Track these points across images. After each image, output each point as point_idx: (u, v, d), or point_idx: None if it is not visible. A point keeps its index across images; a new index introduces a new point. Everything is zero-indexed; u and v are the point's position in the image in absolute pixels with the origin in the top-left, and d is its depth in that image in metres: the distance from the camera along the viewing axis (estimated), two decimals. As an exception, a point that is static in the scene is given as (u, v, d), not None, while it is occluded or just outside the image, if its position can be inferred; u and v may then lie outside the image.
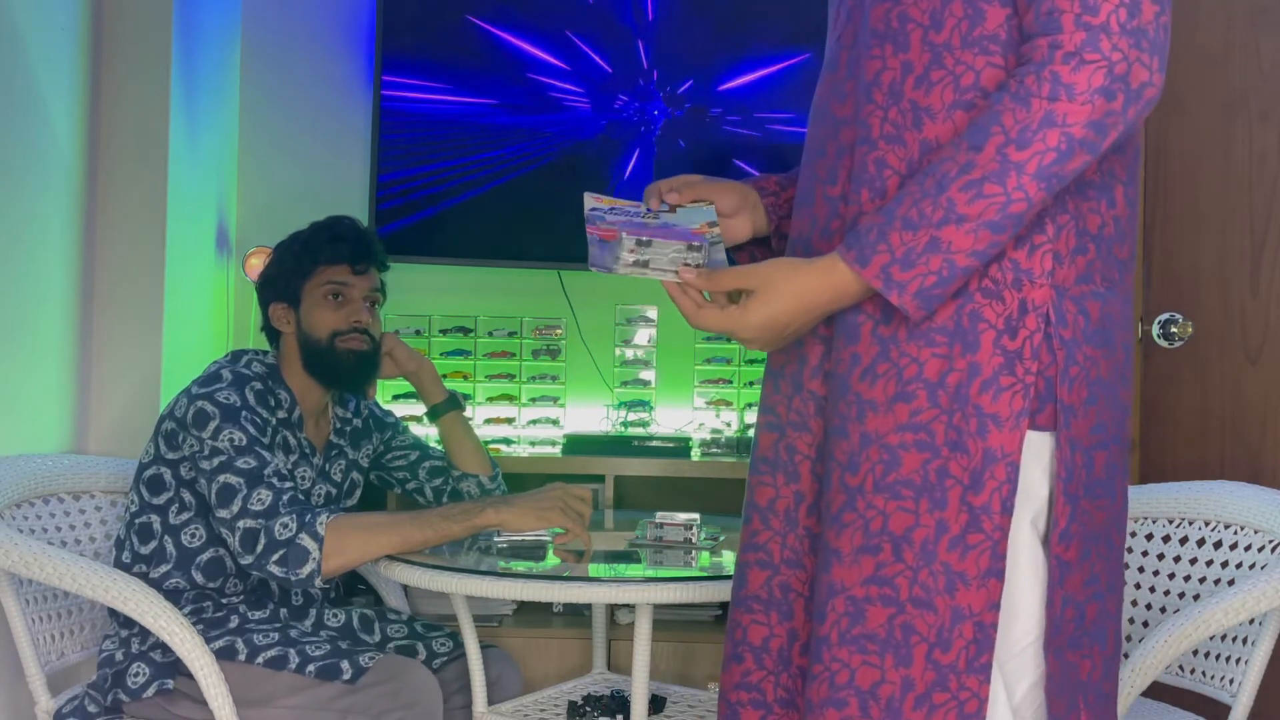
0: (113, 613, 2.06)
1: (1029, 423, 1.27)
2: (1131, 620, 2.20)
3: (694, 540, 2.06)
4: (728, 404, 3.02)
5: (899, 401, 1.29)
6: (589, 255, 1.45)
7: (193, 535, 2.09)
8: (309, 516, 1.93)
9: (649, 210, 1.45)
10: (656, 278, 1.41)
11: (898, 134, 1.32)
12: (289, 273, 2.23)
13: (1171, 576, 2.16)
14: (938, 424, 1.27)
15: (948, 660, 1.26)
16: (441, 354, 3.01)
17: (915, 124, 1.31)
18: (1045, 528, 1.31)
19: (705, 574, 1.89)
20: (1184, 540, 2.16)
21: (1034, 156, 1.22)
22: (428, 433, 2.54)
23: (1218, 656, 2.00)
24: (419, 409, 2.94)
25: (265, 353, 2.24)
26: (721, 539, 2.10)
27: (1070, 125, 1.22)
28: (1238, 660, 1.95)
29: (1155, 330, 2.62)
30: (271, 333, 2.26)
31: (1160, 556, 2.18)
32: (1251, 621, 1.93)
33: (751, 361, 2.99)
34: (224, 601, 2.10)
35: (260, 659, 1.98)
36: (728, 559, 1.99)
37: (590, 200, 1.44)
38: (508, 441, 2.94)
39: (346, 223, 2.27)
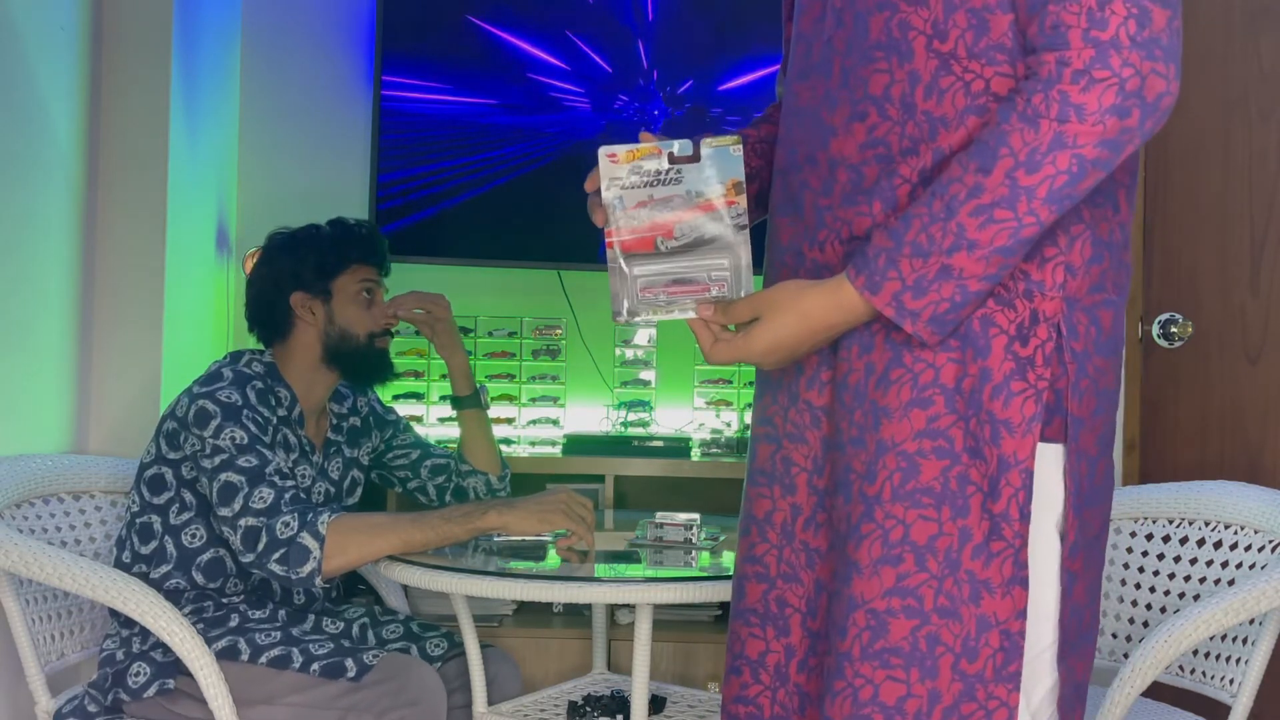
0: (114, 612, 2.06)
1: (1040, 431, 1.25)
2: (1132, 620, 2.20)
3: (694, 540, 2.06)
4: (728, 404, 3.02)
5: (915, 407, 1.27)
6: (611, 298, 1.41)
7: (193, 536, 2.09)
8: (311, 515, 1.93)
9: (671, 169, 1.35)
10: (679, 318, 1.39)
11: (913, 146, 1.29)
12: (318, 266, 2.24)
13: (1171, 576, 2.16)
14: (956, 429, 1.25)
15: (974, 670, 1.24)
16: (442, 354, 3.01)
17: (931, 135, 1.28)
18: (1061, 536, 1.29)
19: (705, 574, 1.89)
20: (1184, 540, 2.16)
21: (1044, 180, 1.19)
22: (428, 432, 2.54)
23: (1218, 656, 2.00)
24: (420, 409, 2.96)
25: (262, 352, 2.24)
26: (721, 539, 2.10)
27: (1081, 146, 1.18)
28: (1238, 660, 1.95)
29: (1155, 330, 2.62)
30: (275, 324, 2.24)
31: (1160, 556, 2.18)
32: (1251, 621, 1.93)
33: (751, 361, 2.99)
34: (224, 601, 2.10)
35: (264, 658, 1.98)
36: (728, 559, 1.99)
37: (607, 166, 1.36)
38: (508, 441, 2.94)
39: (369, 226, 2.34)
